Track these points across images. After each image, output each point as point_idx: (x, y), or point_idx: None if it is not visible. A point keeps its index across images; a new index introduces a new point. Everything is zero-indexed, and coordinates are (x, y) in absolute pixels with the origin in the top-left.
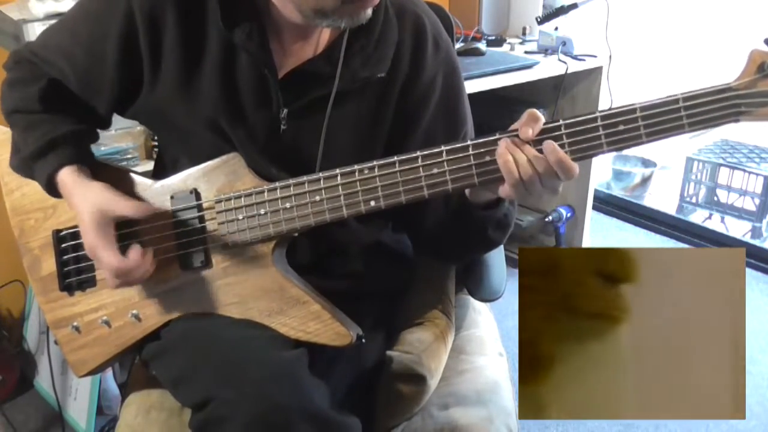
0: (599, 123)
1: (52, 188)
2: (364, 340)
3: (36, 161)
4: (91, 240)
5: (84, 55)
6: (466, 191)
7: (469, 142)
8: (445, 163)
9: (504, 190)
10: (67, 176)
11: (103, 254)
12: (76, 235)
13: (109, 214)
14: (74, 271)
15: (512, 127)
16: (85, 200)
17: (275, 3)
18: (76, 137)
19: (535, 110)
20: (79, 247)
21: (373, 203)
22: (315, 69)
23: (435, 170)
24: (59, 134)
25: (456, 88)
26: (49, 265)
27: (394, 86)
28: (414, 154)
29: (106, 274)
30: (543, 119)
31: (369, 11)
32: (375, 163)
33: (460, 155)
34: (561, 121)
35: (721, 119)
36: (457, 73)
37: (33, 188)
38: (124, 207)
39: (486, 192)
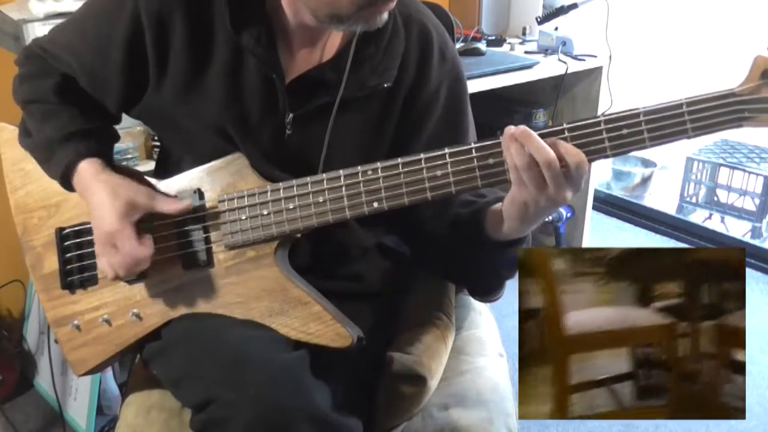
0: (603, 127)
1: (66, 176)
2: (364, 342)
3: (60, 145)
4: (111, 227)
5: (91, 54)
6: (486, 226)
7: (472, 145)
8: (448, 165)
9: (512, 192)
10: (89, 167)
11: (123, 241)
12: (79, 233)
13: (139, 208)
14: (76, 269)
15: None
16: (111, 191)
17: (286, 8)
18: (102, 133)
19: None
20: (81, 245)
21: (376, 204)
22: (322, 76)
23: (438, 172)
24: (88, 127)
25: (460, 97)
26: (51, 263)
27: (399, 95)
28: (417, 157)
29: (113, 261)
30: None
31: (385, 15)
32: (378, 164)
33: (464, 157)
34: (564, 125)
35: (725, 124)
36: (461, 83)
37: (37, 186)
38: (162, 203)
39: (508, 228)
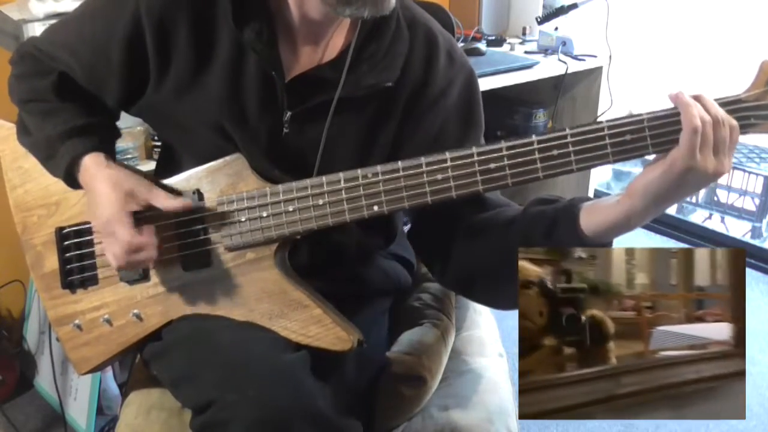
0: (606, 132)
1: (71, 172)
2: (365, 345)
3: (62, 142)
4: (108, 214)
5: (89, 53)
6: (582, 223)
7: (473, 150)
8: (449, 170)
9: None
10: (93, 161)
11: (119, 228)
12: (79, 233)
13: (137, 199)
14: (77, 268)
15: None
16: (112, 183)
17: (291, 3)
18: (104, 128)
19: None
20: (82, 244)
21: (376, 208)
22: (322, 74)
23: (439, 176)
24: (90, 122)
25: (473, 95)
26: (51, 262)
27: (401, 96)
28: (418, 161)
29: (114, 250)
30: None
31: (393, 0)
32: (379, 168)
33: (465, 161)
34: (567, 130)
35: None
36: (474, 82)
37: (36, 185)
38: (159, 198)
39: (630, 209)
